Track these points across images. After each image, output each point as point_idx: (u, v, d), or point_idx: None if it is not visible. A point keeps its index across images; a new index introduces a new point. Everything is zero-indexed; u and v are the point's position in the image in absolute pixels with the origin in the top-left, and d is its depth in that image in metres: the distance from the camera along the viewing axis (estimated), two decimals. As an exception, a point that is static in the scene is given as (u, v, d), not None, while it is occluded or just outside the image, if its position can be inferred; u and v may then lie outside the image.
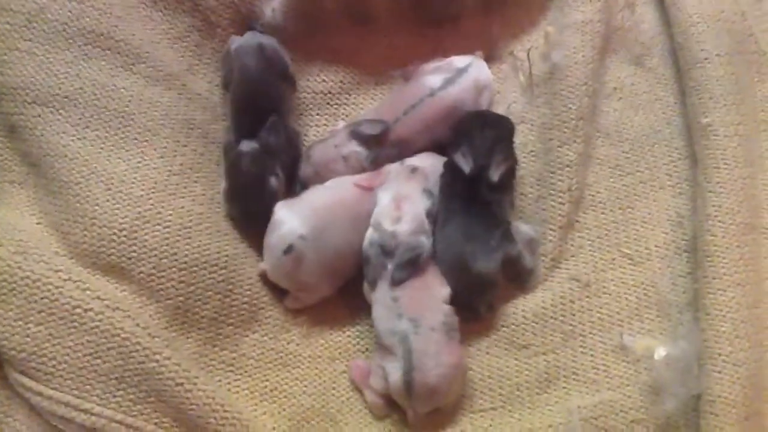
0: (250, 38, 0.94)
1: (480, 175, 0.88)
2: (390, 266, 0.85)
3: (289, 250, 0.86)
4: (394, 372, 0.82)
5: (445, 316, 0.84)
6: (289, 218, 0.88)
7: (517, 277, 0.91)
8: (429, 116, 0.94)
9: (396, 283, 0.84)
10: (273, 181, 0.91)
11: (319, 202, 0.90)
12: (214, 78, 0.98)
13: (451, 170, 0.90)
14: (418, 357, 0.81)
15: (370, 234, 0.87)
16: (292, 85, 0.97)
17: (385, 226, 0.86)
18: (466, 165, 0.88)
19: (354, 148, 0.94)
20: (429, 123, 0.94)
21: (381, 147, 0.94)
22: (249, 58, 0.92)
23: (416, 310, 0.83)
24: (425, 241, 0.87)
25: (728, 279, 0.82)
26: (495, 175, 0.88)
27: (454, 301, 0.86)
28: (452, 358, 0.82)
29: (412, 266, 0.85)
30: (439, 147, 0.95)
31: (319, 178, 0.94)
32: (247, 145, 0.90)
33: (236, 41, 0.94)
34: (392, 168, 0.92)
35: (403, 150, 0.95)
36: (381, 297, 0.85)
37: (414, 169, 0.91)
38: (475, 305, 0.89)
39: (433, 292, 0.85)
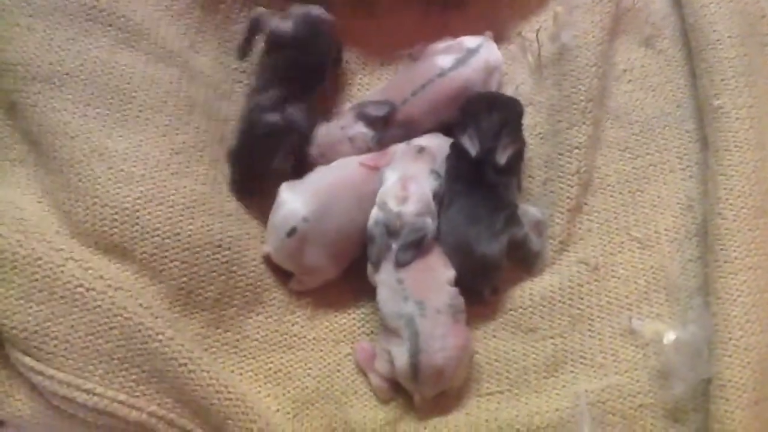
0: (304, 8, 0.94)
1: (486, 157, 0.87)
2: (394, 246, 0.84)
3: (292, 232, 0.86)
4: (401, 355, 0.81)
5: (450, 298, 0.83)
6: (292, 200, 0.87)
7: (524, 260, 0.90)
8: (438, 97, 0.93)
9: (400, 264, 0.84)
10: (278, 159, 0.90)
11: (323, 183, 0.89)
12: (218, 55, 0.96)
13: (457, 152, 0.90)
14: (425, 339, 0.80)
15: (375, 213, 0.87)
16: (330, 75, 0.97)
17: (391, 206, 0.86)
18: (472, 147, 0.87)
19: (360, 129, 0.93)
20: (437, 104, 0.93)
21: (387, 128, 0.93)
22: (302, 27, 0.92)
23: (422, 292, 0.82)
24: (430, 223, 0.86)
25: (739, 263, 0.81)
26: (502, 158, 0.87)
27: (458, 283, 0.85)
28: (458, 340, 0.82)
29: (416, 248, 0.84)
30: (446, 127, 0.94)
31: (325, 159, 0.93)
32: (272, 116, 0.90)
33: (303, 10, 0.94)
34: (398, 148, 0.92)
35: (410, 130, 0.94)
36: (386, 279, 0.84)
37: (421, 149, 0.90)
38: (479, 288, 0.88)
39: (437, 274, 0.84)
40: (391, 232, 0.85)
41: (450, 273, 0.85)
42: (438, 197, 0.88)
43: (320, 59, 0.94)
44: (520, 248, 0.89)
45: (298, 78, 0.92)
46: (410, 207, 0.86)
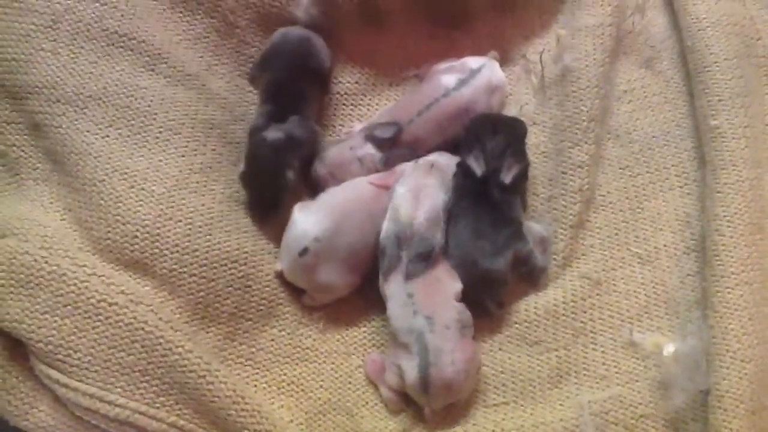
0: (297, 30, 0.97)
1: (491, 176, 0.90)
2: (404, 258, 0.86)
3: (304, 252, 0.88)
4: (411, 370, 0.83)
5: (458, 314, 0.85)
6: (304, 220, 0.89)
7: (529, 275, 0.92)
8: (442, 116, 0.96)
9: (410, 276, 0.86)
10: (290, 173, 0.92)
11: (335, 202, 0.91)
12: (233, 78, 1.00)
13: (463, 171, 0.92)
14: (434, 354, 0.82)
15: (386, 225, 0.89)
16: (323, 87, 1.00)
17: (403, 217, 0.88)
18: (478, 168, 0.90)
19: (369, 150, 0.95)
20: (442, 123, 0.96)
21: (394, 148, 0.96)
22: (286, 48, 0.96)
23: (430, 307, 0.85)
24: (439, 236, 0.88)
25: (736, 278, 0.83)
26: (507, 177, 0.90)
27: (465, 297, 0.87)
28: (466, 354, 0.84)
29: (425, 260, 0.86)
30: (450, 146, 0.97)
31: (333, 178, 0.95)
32: (272, 133, 0.91)
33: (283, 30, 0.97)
34: (406, 167, 0.94)
35: (416, 149, 0.96)
36: (396, 292, 0.86)
37: (432, 165, 0.92)
38: (485, 302, 0.90)
39: (445, 287, 0.87)
40: (401, 242, 0.87)
41: (457, 286, 0.87)
42: (446, 211, 0.91)
43: (299, 75, 0.96)
44: (524, 264, 0.91)
45: (284, 94, 0.94)
46: (422, 218, 0.88)
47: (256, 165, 0.91)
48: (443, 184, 0.92)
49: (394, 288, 0.87)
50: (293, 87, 0.95)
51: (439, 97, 0.96)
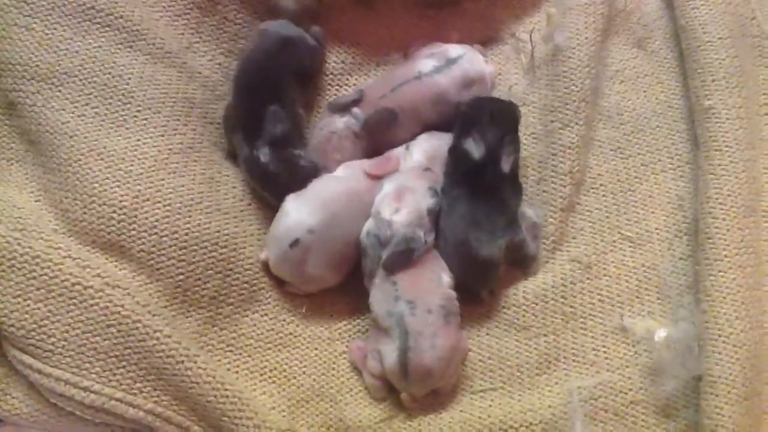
0: (277, 26, 0.95)
1: (488, 162, 0.88)
2: (383, 256, 0.85)
3: (295, 243, 0.86)
4: (390, 354, 0.82)
5: (443, 299, 0.83)
6: (298, 211, 0.87)
7: (520, 262, 0.91)
8: (415, 98, 0.94)
9: (387, 270, 0.84)
10: (302, 162, 0.91)
11: (329, 193, 0.89)
12: (215, 56, 0.97)
13: (456, 157, 0.90)
14: (414, 338, 0.81)
15: (368, 224, 0.87)
16: (302, 81, 0.97)
17: (384, 215, 0.86)
18: (477, 151, 0.88)
19: (338, 121, 0.94)
20: (416, 104, 0.94)
21: (366, 110, 0.94)
22: (262, 44, 0.93)
23: (414, 293, 0.83)
24: (421, 236, 0.86)
25: (729, 261, 0.82)
26: (506, 165, 0.88)
27: (457, 285, 0.86)
28: (448, 340, 0.82)
29: (404, 258, 0.84)
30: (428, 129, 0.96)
31: (321, 162, 0.93)
32: (263, 154, 0.89)
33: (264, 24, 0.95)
34: (397, 152, 0.92)
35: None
36: (379, 282, 0.85)
37: (427, 169, 0.90)
38: (478, 290, 0.89)
39: (433, 277, 0.85)
40: (381, 242, 0.85)
41: (446, 278, 0.85)
42: (432, 214, 0.88)
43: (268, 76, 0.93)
44: (516, 251, 0.89)
45: (253, 98, 0.92)
46: (402, 217, 0.86)
47: (272, 183, 0.91)
48: (431, 186, 0.89)
49: (377, 280, 0.85)
50: (260, 86, 0.92)
51: (410, 79, 0.94)
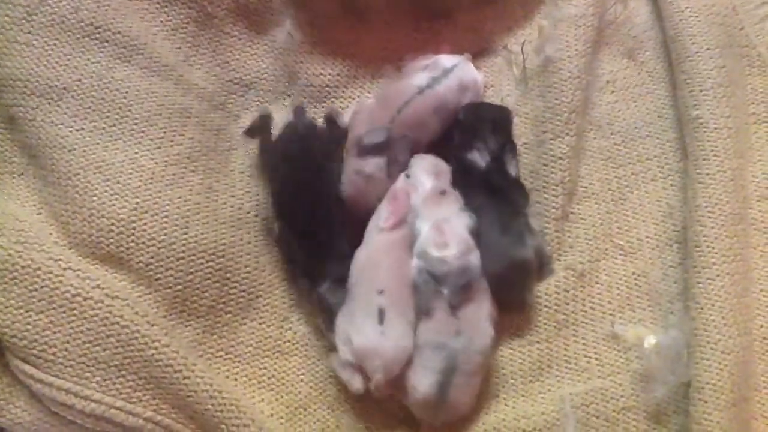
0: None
1: (493, 169, 0.90)
2: (445, 292, 0.82)
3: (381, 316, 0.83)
4: (424, 385, 0.80)
5: (491, 339, 0.83)
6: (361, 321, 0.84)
7: (540, 265, 0.91)
8: (421, 113, 0.94)
9: (454, 307, 0.82)
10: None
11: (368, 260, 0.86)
12: (211, 68, 0.98)
13: (462, 169, 0.91)
14: (460, 376, 0.81)
15: (416, 263, 0.84)
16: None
17: (433, 254, 0.84)
18: (482, 160, 0.90)
19: (371, 163, 0.92)
20: (422, 119, 0.94)
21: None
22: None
23: (473, 330, 0.82)
24: (474, 261, 0.84)
25: (717, 269, 0.83)
26: (512, 169, 0.90)
27: (500, 295, 0.85)
28: (482, 379, 0.83)
29: (466, 291, 0.83)
30: (434, 145, 0.96)
31: (360, 206, 0.92)
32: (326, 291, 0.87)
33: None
34: (400, 186, 0.90)
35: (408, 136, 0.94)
36: (441, 317, 0.82)
37: (443, 192, 0.89)
38: (522, 294, 0.88)
39: (482, 312, 0.84)
40: (437, 278, 0.83)
41: (490, 305, 0.84)
42: (474, 233, 0.86)
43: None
44: (537, 253, 0.89)
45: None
46: (452, 250, 0.83)
47: None
48: (461, 207, 0.88)
49: (439, 316, 0.83)
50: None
51: (414, 95, 0.94)
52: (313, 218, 0.89)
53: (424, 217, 0.87)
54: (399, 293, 0.83)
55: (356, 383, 0.82)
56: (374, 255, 0.86)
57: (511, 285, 0.87)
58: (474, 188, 0.90)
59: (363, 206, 0.92)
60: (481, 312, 0.84)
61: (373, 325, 0.82)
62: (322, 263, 0.88)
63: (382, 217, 0.88)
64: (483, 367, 0.83)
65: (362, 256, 0.87)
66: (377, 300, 0.83)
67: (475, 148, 0.91)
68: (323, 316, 0.87)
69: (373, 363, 0.81)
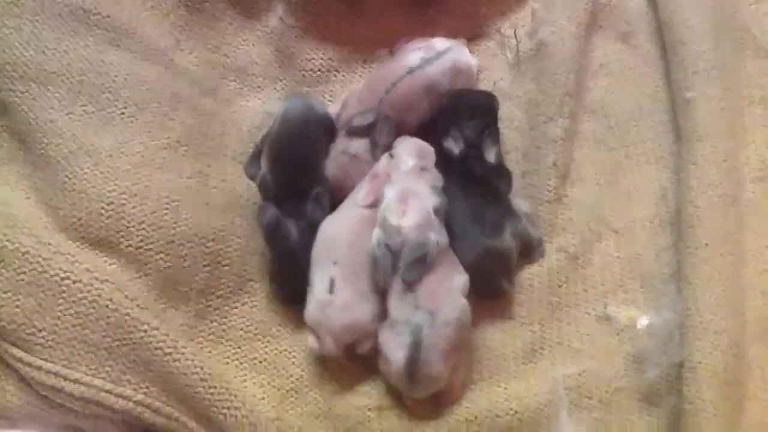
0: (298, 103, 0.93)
1: (472, 155, 0.89)
2: (400, 266, 0.82)
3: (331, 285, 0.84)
4: (397, 359, 0.80)
5: (461, 313, 0.82)
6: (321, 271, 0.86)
7: (527, 249, 0.91)
8: (409, 94, 0.94)
9: (408, 284, 0.81)
10: None
11: (340, 231, 0.87)
12: (202, 53, 0.98)
13: (443, 156, 0.91)
14: (428, 350, 0.80)
15: (376, 233, 0.84)
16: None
17: (391, 221, 0.83)
18: (456, 147, 0.90)
19: (358, 144, 0.93)
20: (411, 100, 0.94)
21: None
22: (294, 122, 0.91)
23: (434, 303, 0.81)
24: (433, 238, 0.83)
25: (710, 250, 0.83)
26: (490, 155, 0.89)
27: (475, 282, 0.85)
28: (457, 352, 0.82)
29: (420, 265, 0.82)
30: (423, 127, 0.95)
31: (345, 186, 0.92)
32: (294, 224, 0.88)
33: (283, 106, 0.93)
34: (381, 166, 0.90)
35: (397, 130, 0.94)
36: (398, 291, 0.82)
37: (424, 168, 0.89)
38: (497, 281, 0.88)
39: (448, 284, 0.83)
40: (393, 251, 0.82)
41: (462, 278, 0.84)
42: (441, 213, 0.86)
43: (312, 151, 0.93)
44: (521, 238, 0.89)
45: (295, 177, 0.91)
46: (410, 220, 0.83)
47: (285, 256, 0.89)
48: (434, 185, 0.87)
49: (396, 289, 0.83)
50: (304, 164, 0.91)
51: (403, 75, 0.94)
52: (299, 166, 0.90)
53: (394, 185, 0.87)
54: (353, 266, 0.84)
55: (311, 342, 0.85)
56: (340, 228, 0.88)
57: (485, 274, 0.86)
58: (451, 174, 0.90)
59: (347, 187, 0.92)
60: (447, 285, 0.83)
61: (322, 294, 0.84)
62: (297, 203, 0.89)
63: (360, 195, 0.89)
64: (456, 339, 0.82)
65: (329, 226, 0.88)
66: (331, 270, 0.84)
67: (450, 135, 0.90)
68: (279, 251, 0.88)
69: (320, 329, 0.83)
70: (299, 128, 0.91)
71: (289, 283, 0.89)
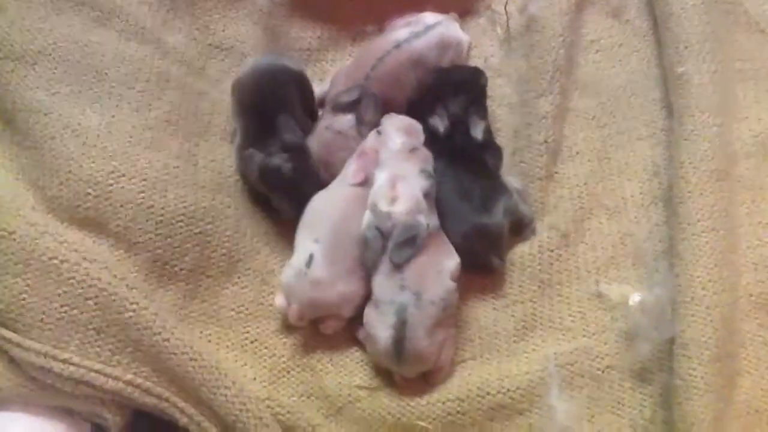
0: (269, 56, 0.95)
1: (457, 133, 0.89)
2: (389, 248, 0.83)
3: (309, 260, 0.84)
4: (384, 339, 0.81)
5: (446, 293, 0.82)
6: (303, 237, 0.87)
7: (519, 226, 0.91)
8: (396, 68, 0.93)
9: (396, 264, 0.82)
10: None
11: (328, 206, 0.88)
12: (190, 31, 0.97)
13: (430, 134, 0.90)
14: (413, 329, 0.80)
15: (367, 216, 0.85)
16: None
17: (381, 207, 0.84)
18: (441, 126, 0.89)
19: (343, 120, 0.92)
20: (398, 75, 0.93)
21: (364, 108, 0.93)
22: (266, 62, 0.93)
23: (420, 283, 0.82)
24: (423, 221, 0.83)
25: (702, 224, 0.83)
26: (477, 132, 0.89)
27: (466, 259, 0.85)
28: (443, 332, 0.83)
29: (409, 247, 0.82)
30: (410, 104, 0.95)
31: (330, 165, 0.92)
32: (278, 158, 0.89)
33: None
34: (370, 143, 0.90)
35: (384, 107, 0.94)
36: (385, 271, 0.83)
37: (414, 149, 0.88)
38: (488, 258, 0.88)
39: (440, 265, 0.83)
40: (384, 233, 0.83)
41: (452, 262, 0.84)
42: (430, 196, 0.86)
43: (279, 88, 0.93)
44: (512, 216, 0.89)
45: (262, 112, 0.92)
46: (400, 206, 0.84)
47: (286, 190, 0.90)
48: (424, 169, 0.87)
49: (383, 270, 0.83)
50: (270, 98, 0.92)
51: (390, 50, 0.93)
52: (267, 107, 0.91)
53: (384, 168, 0.87)
54: (335, 247, 0.85)
55: (278, 300, 0.86)
56: (326, 205, 0.88)
57: (474, 250, 0.86)
58: (439, 152, 0.89)
59: (331, 163, 0.92)
60: (437, 268, 0.83)
61: (300, 264, 0.84)
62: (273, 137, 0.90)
63: (349, 172, 0.88)
64: (442, 317, 0.82)
65: (318, 200, 0.88)
66: (311, 246, 0.85)
67: (435, 113, 0.90)
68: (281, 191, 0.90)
69: (291, 296, 0.85)
70: (267, 74, 0.92)
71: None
